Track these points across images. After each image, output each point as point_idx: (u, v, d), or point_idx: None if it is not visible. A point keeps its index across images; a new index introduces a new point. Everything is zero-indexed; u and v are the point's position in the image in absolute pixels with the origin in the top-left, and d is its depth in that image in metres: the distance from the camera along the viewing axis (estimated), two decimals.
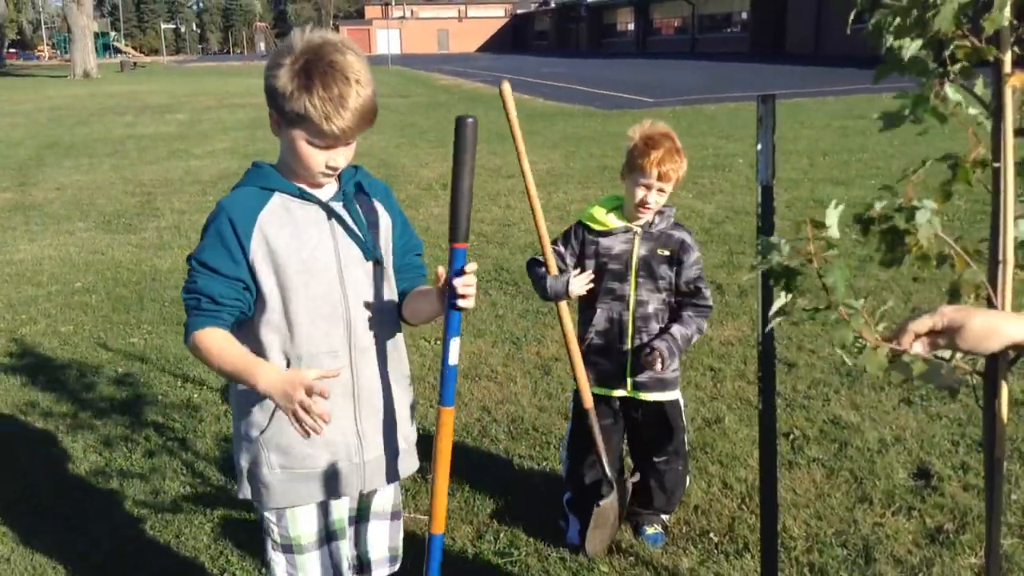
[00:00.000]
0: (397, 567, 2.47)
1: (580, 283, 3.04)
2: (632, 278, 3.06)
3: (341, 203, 2.11)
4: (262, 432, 2.12)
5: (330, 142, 1.97)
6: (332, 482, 2.18)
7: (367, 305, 2.13)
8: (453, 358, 2.00)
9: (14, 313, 6.26)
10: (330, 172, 2.04)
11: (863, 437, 3.93)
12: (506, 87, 2.77)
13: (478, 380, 4.79)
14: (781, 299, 1.62)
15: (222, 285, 2.00)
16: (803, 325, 5.08)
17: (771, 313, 1.64)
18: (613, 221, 3.07)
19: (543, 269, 3.05)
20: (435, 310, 2.12)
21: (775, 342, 2.48)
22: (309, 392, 1.88)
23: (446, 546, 3.28)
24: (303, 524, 2.23)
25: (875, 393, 4.36)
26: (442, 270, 2.00)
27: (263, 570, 3.01)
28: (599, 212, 3.09)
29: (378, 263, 2.14)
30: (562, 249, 3.13)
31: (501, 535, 3.32)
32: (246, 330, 2.08)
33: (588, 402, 3.07)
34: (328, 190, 2.11)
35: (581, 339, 3.12)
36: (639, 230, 3.06)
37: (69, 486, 3.81)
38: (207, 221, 2.08)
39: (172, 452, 4.05)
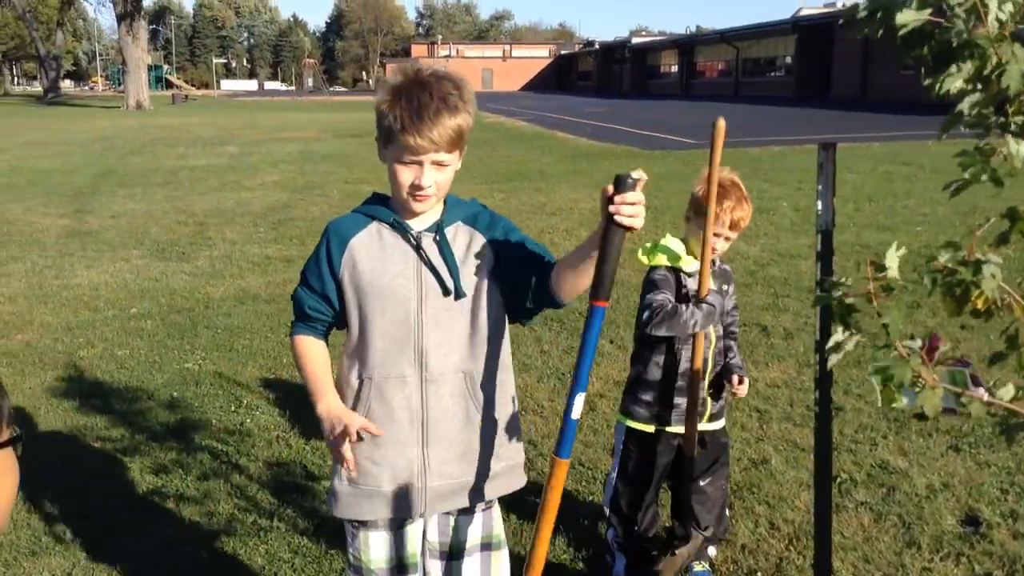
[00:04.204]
0: None
1: None
2: None
3: (434, 234, 2.13)
4: None
5: (411, 157, 2.02)
6: (395, 502, 2.21)
7: (444, 337, 2.13)
8: (576, 412, 1.96)
9: (72, 336, 6.44)
10: (418, 194, 2.06)
11: (911, 482, 3.92)
12: (721, 123, 2.62)
13: (524, 414, 4.84)
14: (838, 335, 1.68)
15: (310, 299, 2.20)
16: (850, 370, 5.08)
17: (828, 346, 1.70)
18: (693, 263, 3.04)
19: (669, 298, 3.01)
20: (585, 259, 1.98)
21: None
22: (344, 435, 2.08)
23: None
24: (374, 551, 2.28)
25: (923, 440, 4.34)
26: (610, 187, 1.97)
27: None
28: (682, 252, 3.07)
29: (460, 297, 2.13)
30: (670, 296, 3.04)
31: (548, 567, 3.35)
32: (342, 347, 2.24)
33: (691, 451, 3.12)
34: (425, 220, 2.14)
35: (652, 381, 3.15)
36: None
37: (125, 507, 3.91)
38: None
39: (225, 476, 4.15)
